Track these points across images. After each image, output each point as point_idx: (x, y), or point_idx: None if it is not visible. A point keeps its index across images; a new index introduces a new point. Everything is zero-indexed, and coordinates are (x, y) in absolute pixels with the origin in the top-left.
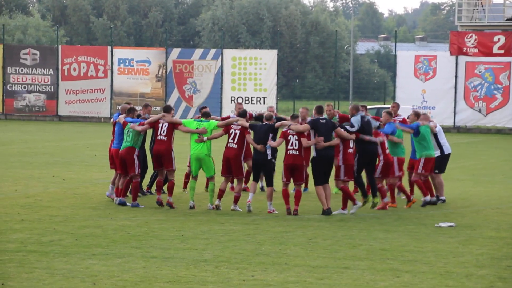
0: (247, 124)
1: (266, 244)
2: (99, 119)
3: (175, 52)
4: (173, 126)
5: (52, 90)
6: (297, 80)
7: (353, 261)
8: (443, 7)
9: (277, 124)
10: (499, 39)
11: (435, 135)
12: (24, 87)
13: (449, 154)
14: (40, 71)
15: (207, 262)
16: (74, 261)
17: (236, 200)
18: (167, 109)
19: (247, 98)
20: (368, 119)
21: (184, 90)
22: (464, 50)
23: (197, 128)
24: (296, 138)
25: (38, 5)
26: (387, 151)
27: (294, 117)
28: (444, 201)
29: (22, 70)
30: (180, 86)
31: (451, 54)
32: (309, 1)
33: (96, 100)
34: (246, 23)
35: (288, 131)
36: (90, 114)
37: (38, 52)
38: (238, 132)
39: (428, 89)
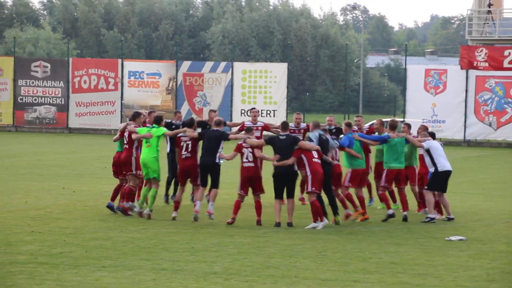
0: (195, 134)
1: (276, 257)
2: (109, 131)
3: (186, 65)
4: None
5: (63, 103)
6: (307, 93)
7: (363, 275)
8: (453, 21)
9: (232, 136)
10: (509, 53)
11: (428, 152)
12: (35, 100)
13: (445, 172)
14: (51, 84)
15: (217, 275)
16: (84, 273)
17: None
18: (133, 117)
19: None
20: (326, 138)
21: (194, 102)
22: (475, 64)
23: (146, 133)
24: (250, 150)
25: (49, 18)
26: (335, 162)
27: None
28: (452, 219)
29: (33, 83)
30: (190, 99)
31: (462, 68)
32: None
33: (106, 113)
34: (257, 36)
35: (243, 144)
36: (100, 126)
37: (48, 65)
38: (189, 142)
39: (438, 103)
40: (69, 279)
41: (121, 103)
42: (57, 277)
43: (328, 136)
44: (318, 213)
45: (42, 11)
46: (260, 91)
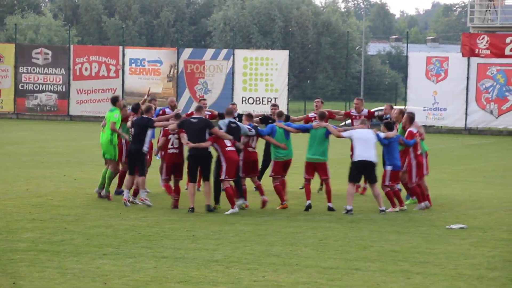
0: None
1: (277, 245)
2: None
3: (187, 52)
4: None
5: (64, 90)
6: (308, 81)
7: (364, 263)
8: (455, 8)
9: (157, 124)
10: (511, 40)
11: (352, 141)
12: (36, 87)
13: (358, 162)
14: (52, 71)
15: (218, 263)
16: (85, 261)
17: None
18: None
19: (258, 99)
20: (237, 125)
21: (195, 90)
22: (476, 52)
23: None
24: (177, 137)
25: (50, 5)
26: (250, 149)
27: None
28: (383, 211)
29: (34, 70)
30: (191, 86)
31: (463, 56)
32: (320, 1)
33: (107, 100)
34: (258, 24)
35: (169, 130)
36: (101, 114)
37: (50, 52)
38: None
39: (439, 91)
40: (70, 267)
41: (123, 90)
42: (58, 264)
43: (247, 124)
44: (231, 199)
45: None
46: (261, 78)
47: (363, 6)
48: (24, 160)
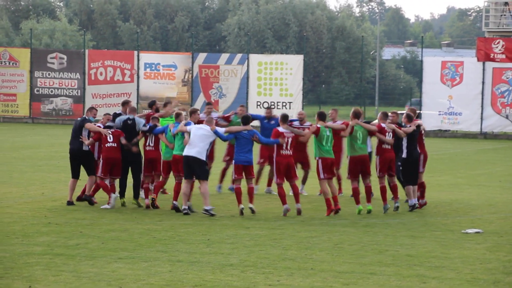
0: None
1: (292, 249)
2: None
3: (201, 56)
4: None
5: (79, 94)
6: (323, 86)
7: (379, 267)
8: (470, 12)
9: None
10: None
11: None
12: (51, 91)
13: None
14: (67, 75)
15: (233, 267)
16: (100, 265)
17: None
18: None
19: (272, 103)
20: (133, 123)
21: (210, 94)
22: (491, 56)
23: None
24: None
25: (65, 10)
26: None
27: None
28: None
29: (49, 74)
30: (206, 91)
31: (478, 60)
32: (335, 6)
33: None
34: (272, 28)
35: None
36: None
37: (65, 56)
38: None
39: (454, 95)
40: (85, 271)
41: (137, 95)
42: (73, 268)
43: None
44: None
45: (58, 3)
46: (276, 83)
47: (377, 10)
48: (39, 164)
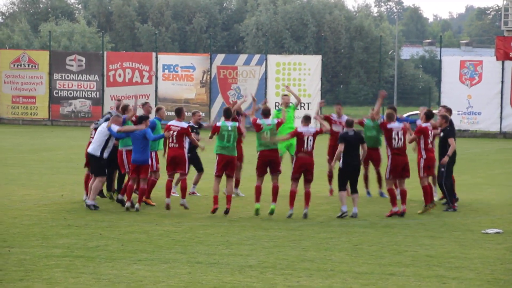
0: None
1: (311, 250)
2: None
3: (219, 58)
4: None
5: (98, 96)
6: (341, 86)
7: (399, 268)
8: (489, 11)
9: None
10: None
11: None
12: (70, 93)
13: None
14: (86, 77)
15: (252, 268)
16: (120, 266)
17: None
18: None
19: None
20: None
21: (228, 96)
22: (511, 55)
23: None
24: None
25: (83, 12)
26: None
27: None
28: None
29: (68, 76)
30: (224, 92)
31: (497, 59)
32: (353, 6)
33: (140, 106)
34: (290, 29)
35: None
36: None
37: (83, 59)
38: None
39: (473, 95)
40: (105, 272)
41: (156, 96)
42: (93, 270)
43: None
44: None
45: (77, 5)
46: (294, 83)
47: (396, 10)
48: (58, 166)
